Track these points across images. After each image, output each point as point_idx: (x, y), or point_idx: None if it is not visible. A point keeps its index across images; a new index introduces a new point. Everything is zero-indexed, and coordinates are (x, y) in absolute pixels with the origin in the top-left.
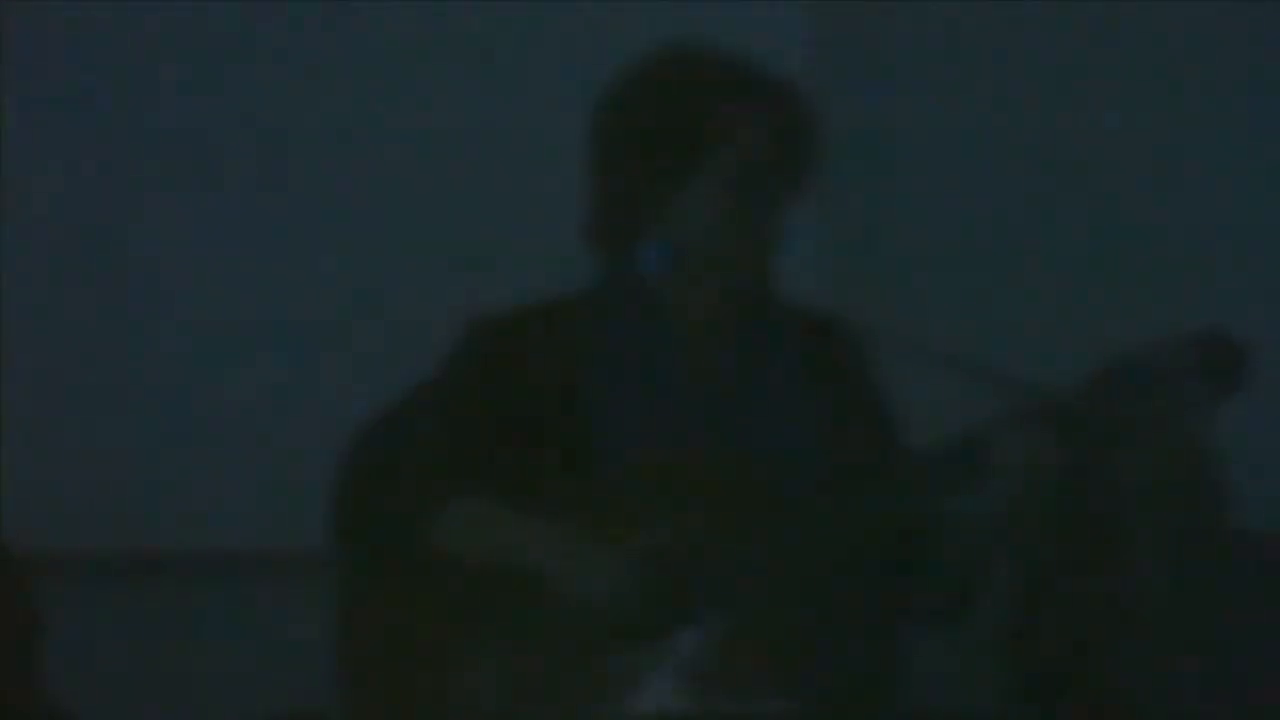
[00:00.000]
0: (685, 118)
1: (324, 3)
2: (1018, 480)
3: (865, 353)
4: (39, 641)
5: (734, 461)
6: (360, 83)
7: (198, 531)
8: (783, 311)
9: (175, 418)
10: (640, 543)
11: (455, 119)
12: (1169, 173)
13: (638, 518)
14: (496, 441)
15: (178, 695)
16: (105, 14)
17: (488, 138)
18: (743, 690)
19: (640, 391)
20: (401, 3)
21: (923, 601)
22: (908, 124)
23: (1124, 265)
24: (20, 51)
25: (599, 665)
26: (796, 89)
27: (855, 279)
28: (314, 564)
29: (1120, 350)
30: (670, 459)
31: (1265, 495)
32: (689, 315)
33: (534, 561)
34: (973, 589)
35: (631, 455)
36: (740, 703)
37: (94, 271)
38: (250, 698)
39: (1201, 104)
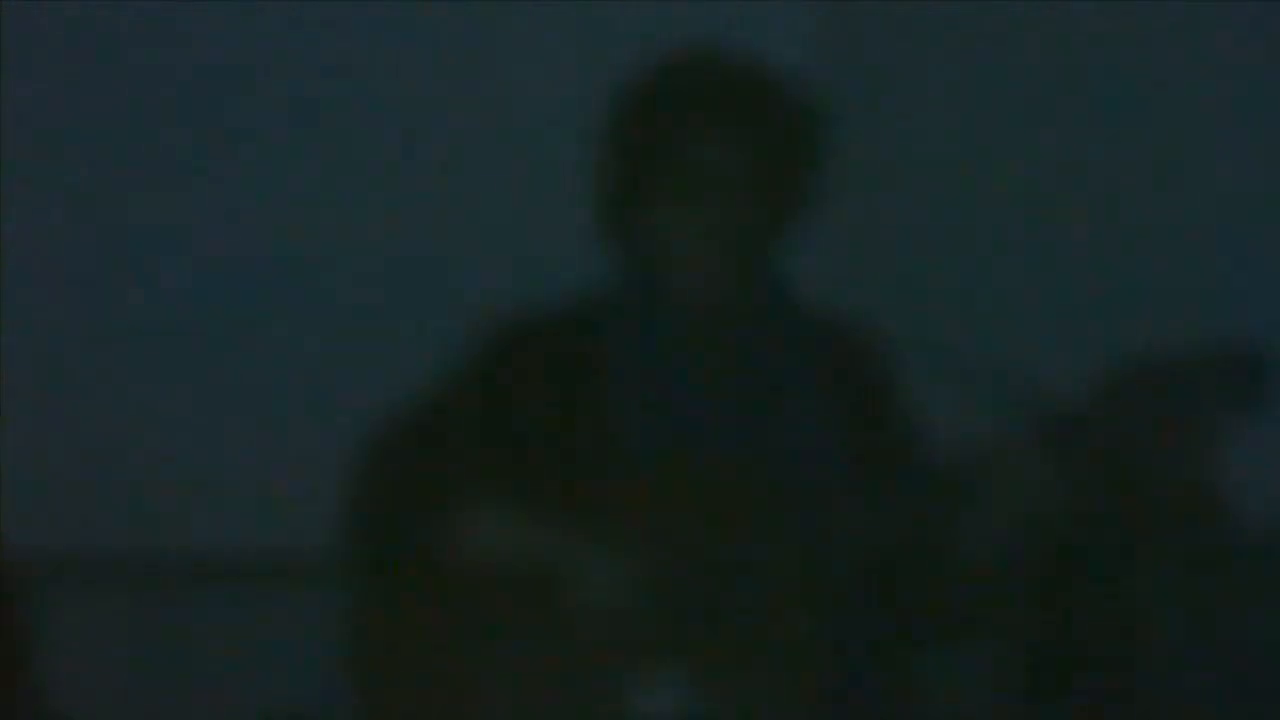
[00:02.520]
0: (665, 127)
1: (329, 3)
2: (1020, 498)
3: (884, 358)
4: (34, 642)
5: (746, 467)
6: (370, 83)
7: (198, 531)
8: (799, 315)
9: (176, 417)
10: (653, 547)
11: (467, 117)
12: (1172, 173)
13: (651, 522)
14: (511, 445)
15: (177, 695)
16: (106, 14)
17: (501, 135)
18: (750, 697)
19: (653, 395)
20: (411, 4)
21: (930, 616)
22: (908, 124)
23: (1126, 266)
24: (20, 51)
25: (611, 670)
26: (796, 99)
27: (853, 279)
28: (314, 565)
29: (1130, 358)
30: (683, 463)
31: (1265, 495)
32: (690, 318)
33: (546, 567)
34: (980, 606)
35: (646, 459)
36: (747, 709)
37: (94, 271)
38: (250, 698)
39: (1204, 104)
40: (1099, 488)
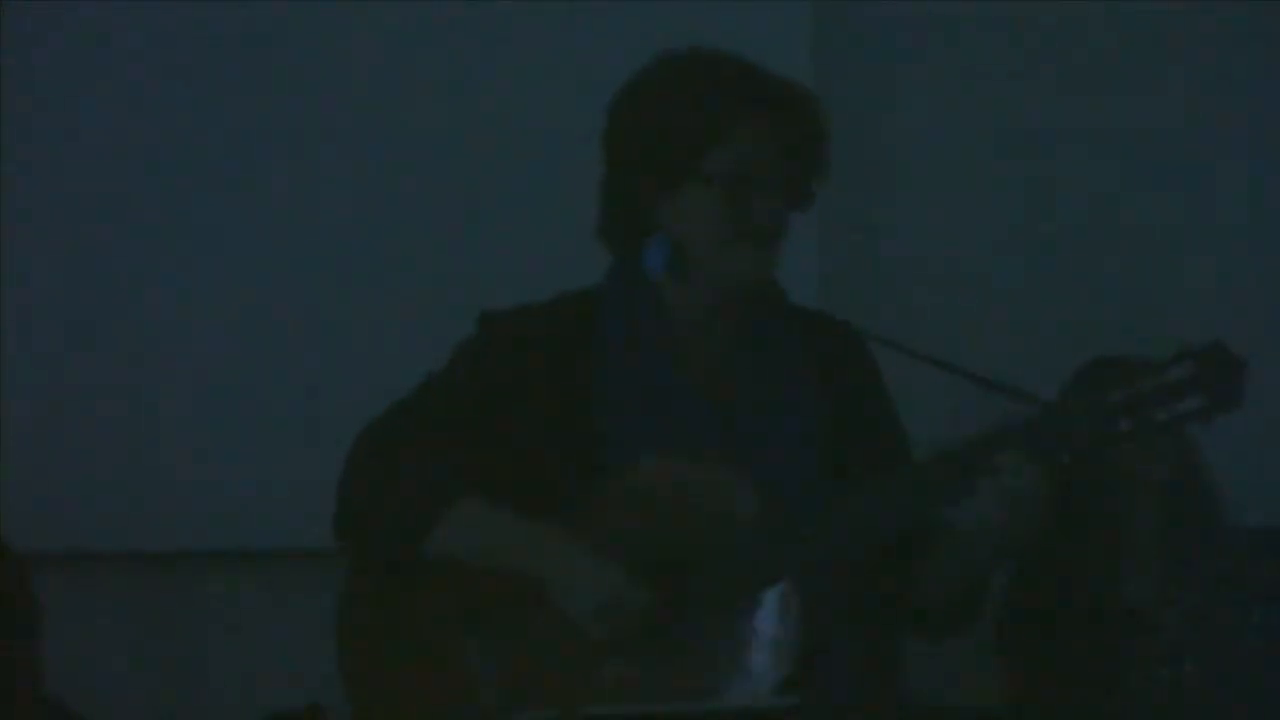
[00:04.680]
0: (680, 121)
1: (332, 3)
2: (1005, 494)
3: (872, 358)
4: (40, 635)
5: (736, 463)
6: (373, 85)
7: (198, 531)
8: (789, 314)
9: (175, 417)
10: (640, 544)
11: (468, 117)
12: (1166, 178)
13: (638, 519)
14: (499, 439)
15: (178, 694)
16: (106, 15)
17: (501, 136)
18: (745, 689)
19: (643, 390)
20: (418, 6)
21: (922, 609)
22: (906, 125)
23: (1119, 270)
24: (20, 51)
25: (596, 665)
26: (802, 95)
27: (851, 280)
28: (314, 563)
29: (1115, 359)
30: (672, 458)
31: (1265, 495)
32: (690, 315)
33: (530, 567)
34: (970, 597)
35: (633, 453)
36: (744, 700)
37: (94, 271)
38: (250, 697)
39: (1201, 106)
40: (1080, 479)
